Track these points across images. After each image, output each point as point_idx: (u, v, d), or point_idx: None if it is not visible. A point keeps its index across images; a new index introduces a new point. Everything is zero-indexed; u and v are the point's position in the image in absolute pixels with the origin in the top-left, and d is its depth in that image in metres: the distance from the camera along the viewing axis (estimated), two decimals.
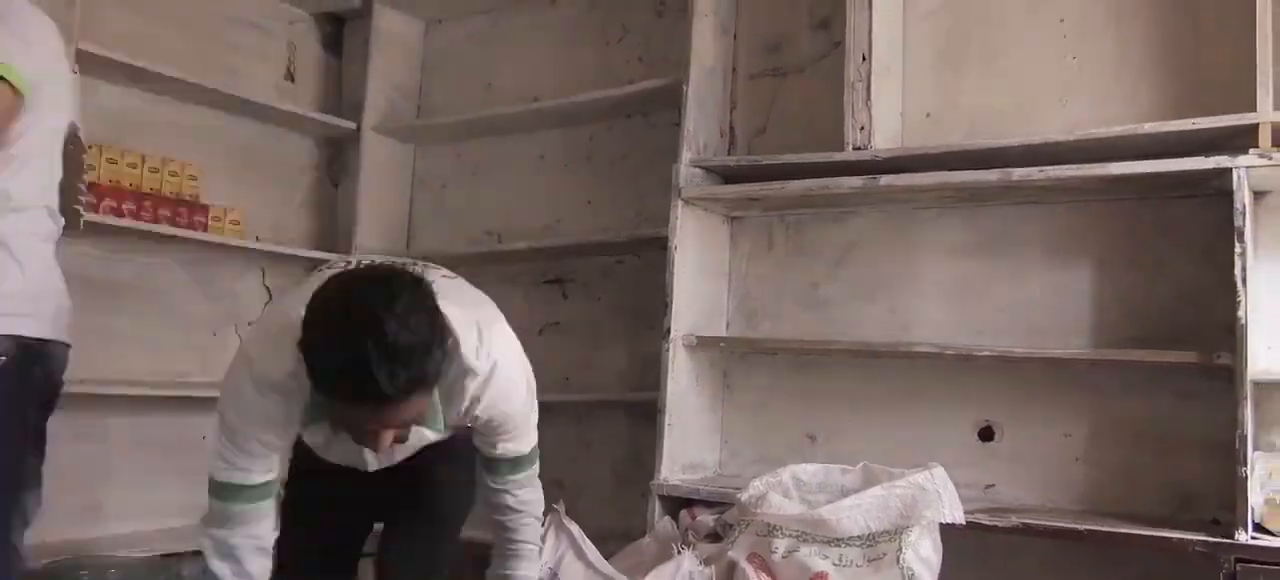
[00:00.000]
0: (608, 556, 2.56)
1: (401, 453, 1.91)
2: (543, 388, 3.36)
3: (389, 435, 1.65)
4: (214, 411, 1.82)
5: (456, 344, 1.71)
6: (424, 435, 1.84)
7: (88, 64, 3.06)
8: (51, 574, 2.79)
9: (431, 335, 1.56)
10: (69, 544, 2.98)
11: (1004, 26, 2.89)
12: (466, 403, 1.82)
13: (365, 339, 1.45)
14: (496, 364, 1.83)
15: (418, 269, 1.79)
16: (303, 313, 1.56)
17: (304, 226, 3.87)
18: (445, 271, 2.04)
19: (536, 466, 2.11)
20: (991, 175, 2.66)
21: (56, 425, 2.33)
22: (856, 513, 2.37)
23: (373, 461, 1.91)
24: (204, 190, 3.46)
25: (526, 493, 2.09)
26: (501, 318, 2.01)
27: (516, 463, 2.03)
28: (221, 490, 1.81)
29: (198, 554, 3.22)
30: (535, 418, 2.06)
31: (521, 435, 2.00)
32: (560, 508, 2.67)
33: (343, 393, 1.54)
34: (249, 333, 2.37)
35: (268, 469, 1.83)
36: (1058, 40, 2.83)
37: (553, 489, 3.11)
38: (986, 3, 2.96)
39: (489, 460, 2.02)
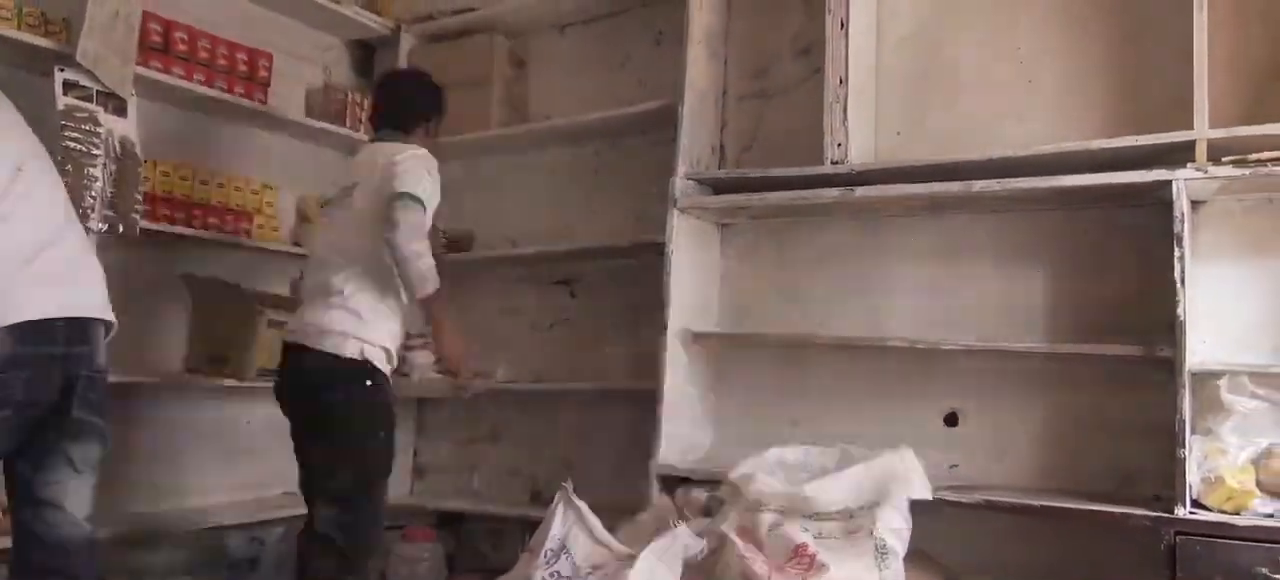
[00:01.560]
0: (610, 530, 2.56)
1: None
2: (554, 378, 3.42)
3: None
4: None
5: None
6: None
7: (143, 87, 3.05)
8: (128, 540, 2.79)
9: None
10: (133, 516, 2.99)
11: (967, 53, 2.90)
12: None
13: None
14: None
15: None
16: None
17: None
18: None
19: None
20: (955, 187, 2.66)
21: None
22: (835, 490, 2.37)
23: None
24: (247, 200, 3.45)
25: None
26: None
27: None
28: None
29: (240, 526, 3.26)
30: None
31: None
32: (568, 485, 2.66)
33: None
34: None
35: None
36: (1015, 66, 2.85)
37: (562, 469, 3.13)
38: (951, 32, 2.97)
39: None
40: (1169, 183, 2.37)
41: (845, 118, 2.86)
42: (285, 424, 2.63)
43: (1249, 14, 2.51)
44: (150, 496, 3.08)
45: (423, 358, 3.15)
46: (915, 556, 2.37)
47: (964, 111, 2.89)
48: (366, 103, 3.83)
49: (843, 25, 2.90)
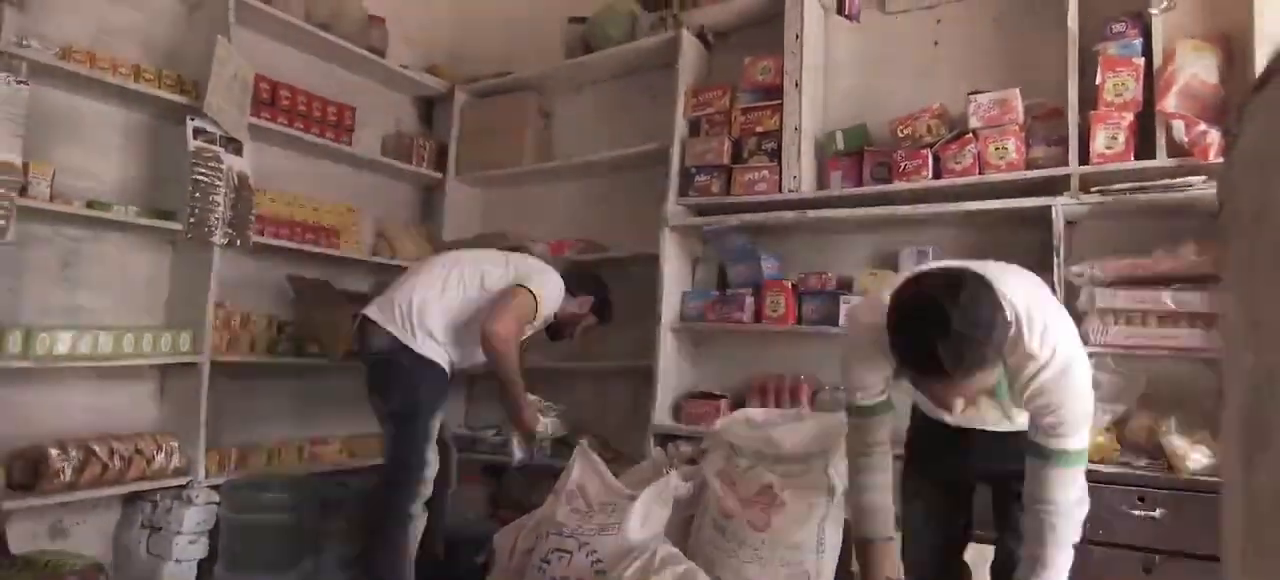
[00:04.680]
0: (617, 475, 2.58)
1: (978, 419, 1.75)
2: (570, 361, 3.42)
3: (959, 401, 1.48)
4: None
5: (1018, 333, 1.46)
6: (999, 404, 1.66)
7: (256, 132, 3.08)
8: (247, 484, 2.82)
9: (991, 327, 1.36)
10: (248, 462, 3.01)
11: (896, 102, 2.88)
12: (1025, 381, 1.50)
13: (929, 329, 1.34)
14: (1056, 353, 1.48)
15: (983, 271, 1.47)
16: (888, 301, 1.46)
17: (406, 248, 3.88)
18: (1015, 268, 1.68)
19: (1080, 468, 1.55)
20: (883, 210, 2.68)
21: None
22: (797, 435, 2.37)
23: (951, 418, 1.73)
24: (335, 220, 3.47)
25: (1058, 491, 1.54)
26: (1064, 311, 1.62)
27: (1061, 457, 1.53)
28: (847, 408, 1.77)
29: (329, 473, 3.26)
30: (1089, 418, 1.54)
31: (1069, 429, 1.51)
32: (585, 442, 2.68)
33: (916, 368, 1.43)
34: (859, 304, 2.14)
35: (869, 395, 1.71)
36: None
37: (579, 429, 3.14)
38: (884, 87, 2.98)
39: (1033, 445, 1.56)
40: (1049, 207, 2.39)
41: (799, 155, 2.89)
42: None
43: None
44: (259, 447, 3.09)
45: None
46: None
47: (893, 150, 2.89)
48: (428, 145, 3.88)
49: (797, 85, 2.92)
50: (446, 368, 2.53)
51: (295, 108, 3.26)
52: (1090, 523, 2.15)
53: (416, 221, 3.99)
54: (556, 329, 2.77)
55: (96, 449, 2.54)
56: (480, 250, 2.80)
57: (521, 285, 2.49)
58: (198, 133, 2.82)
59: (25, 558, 1.86)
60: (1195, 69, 2.28)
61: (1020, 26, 2.77)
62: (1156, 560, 2.07)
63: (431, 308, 2.49)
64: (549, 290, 2.56)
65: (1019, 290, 1.51)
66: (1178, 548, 2.06)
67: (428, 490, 2.47)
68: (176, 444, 2.77)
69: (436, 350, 2.49)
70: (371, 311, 2.54)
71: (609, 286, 2.86)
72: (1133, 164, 2.32)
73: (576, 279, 2.76)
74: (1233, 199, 0.68)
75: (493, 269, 2.58)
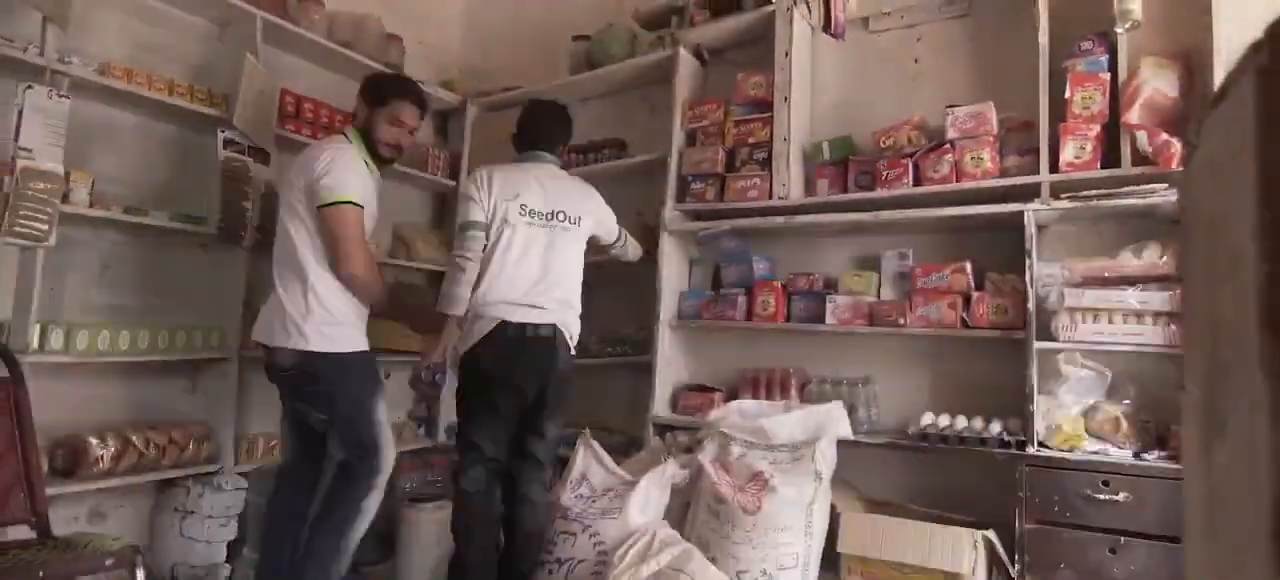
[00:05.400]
0: (618, 462, 2.58)
1: None
2: (579, 354, 3.41)
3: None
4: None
5: None
6: None
7: (281, 143, 3.08)
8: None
9: None
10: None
11: (878, 115, 2.88)
12: None
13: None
14: None
15: None
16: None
17: (421, 250, 3.89)
18: None
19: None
20: (866, 216, 2.68)
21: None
22: (787, 424, 2.39)
23: None
24: None
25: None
26: None
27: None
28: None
29: None
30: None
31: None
32: (587, 432, 2.68)
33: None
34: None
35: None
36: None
37: (582, 420, 3.14)
38: (868, 101, 2.98)
39: None
40: (1022, 212, 2.40)
41: (788, 164, 2.89)
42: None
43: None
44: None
45: None
46: (838, 482, 2.40)
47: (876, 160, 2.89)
48: (442, 155, 3.88)
49: (786, 99, 2.92)
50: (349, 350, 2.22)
51: (318, 120, 3.26)
52: (1059, 506, 2.16)
53: (432, 226, 3.99)
54: (377, 158, 2.41)
55: (133, 438, 2.54)
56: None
57: (326, 205, 2.13)
58: (227, 143, 2.82)
59: (66, 540, 1.86)
60: (1158, 84, 2.28)
61: (995, 44, 2.77)
62: (1121, 541, 2.07)
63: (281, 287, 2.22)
64: (349, 177, 2.19)
65: None
66: (1141, 530, 2.06)
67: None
68: (207, 434, 2.77)
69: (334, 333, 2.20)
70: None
71: (378, 79, 2.49)
72: (1099, 172, 2.32)
73: (358, 106, 2.40)
74: (1192, 206, 0.68)
75: (291, 195, 2.24)
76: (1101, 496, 2.10)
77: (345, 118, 3.37)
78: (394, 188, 3.77)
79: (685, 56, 3.24)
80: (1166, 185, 2.22)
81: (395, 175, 3.72)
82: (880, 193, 2.68)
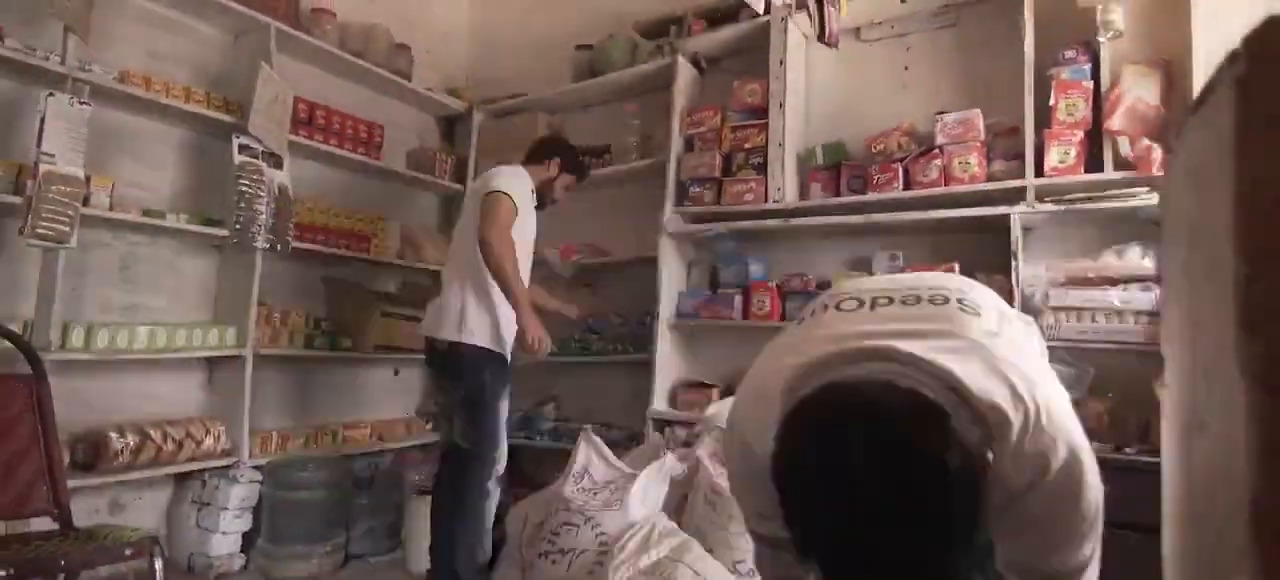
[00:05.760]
0: (619, 456, 2.58)
1: None
2: (580, 353, 3.42)
3: None
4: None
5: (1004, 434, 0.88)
6: None
7: (294, 148, 3.08)
8: (288, 463, 2.82)
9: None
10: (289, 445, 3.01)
11: (870, 124, 2.88)
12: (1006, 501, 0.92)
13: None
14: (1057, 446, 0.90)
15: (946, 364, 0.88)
16: None
17: (429, 252, 3.89)
18: None
19: None
20: (858, 218, 2.69)
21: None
22: None
23: None
24: (366, 227, 3.46)
25: None
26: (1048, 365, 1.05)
27: None
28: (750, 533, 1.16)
29: (361, 454, 3.24)
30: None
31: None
32: (588, 427, 2.68)
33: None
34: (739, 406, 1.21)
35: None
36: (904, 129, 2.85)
37: (584, 416, 3.14)
38: (859, 107, 2.98)
39: None
40: (1008, 215, 2.40)
41: (783, 169, 2.89)
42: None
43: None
44: (298, 431, 3.09)
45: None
46: None
47: (868, 163, 2.89)
48: (449, 160, 3.88)
49: (781, 106, 2.92)
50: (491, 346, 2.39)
51: (330, 126, 3.26)
52: None
53: (439, 228, 3.98)
54: (542, 200, 2.66)
55: (151, 433, 2.54)
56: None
57: (489, 192, 2.39)
58: (242, 148, 2.82)
59: (87, 530, 1.86)
60: (1139, 91, 2.29)
61: (982, 53, 2.77)
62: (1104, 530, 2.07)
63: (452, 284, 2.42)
64: (515, 182, 2.45)
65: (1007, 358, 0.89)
66: (1124, 519, 2.06)
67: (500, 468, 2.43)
68: (223, 428, 2.77)
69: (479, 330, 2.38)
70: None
71: (575, 147, 2.80)
72: (1083, 177, 2.32)
73: (538, 149, 2.70)
74: (1172, 210, 0.69)
75: (471, 203, 2.51)
76: None
77: (356, 123, 3.39)
78: (402, 191, 3.78)
79: (683, 65, 3.25)
80: (1148, 189, 2.22)
81: (404, 180, 3.73)
82: (872, 196, 2.69)
